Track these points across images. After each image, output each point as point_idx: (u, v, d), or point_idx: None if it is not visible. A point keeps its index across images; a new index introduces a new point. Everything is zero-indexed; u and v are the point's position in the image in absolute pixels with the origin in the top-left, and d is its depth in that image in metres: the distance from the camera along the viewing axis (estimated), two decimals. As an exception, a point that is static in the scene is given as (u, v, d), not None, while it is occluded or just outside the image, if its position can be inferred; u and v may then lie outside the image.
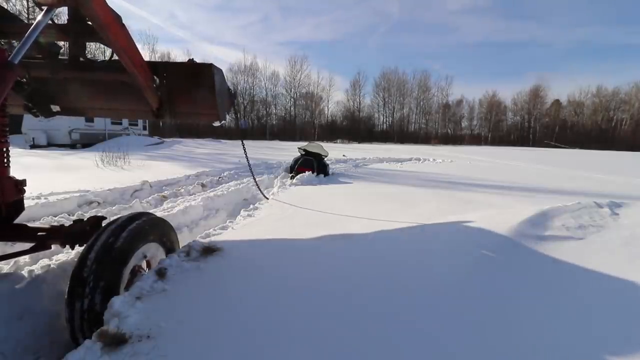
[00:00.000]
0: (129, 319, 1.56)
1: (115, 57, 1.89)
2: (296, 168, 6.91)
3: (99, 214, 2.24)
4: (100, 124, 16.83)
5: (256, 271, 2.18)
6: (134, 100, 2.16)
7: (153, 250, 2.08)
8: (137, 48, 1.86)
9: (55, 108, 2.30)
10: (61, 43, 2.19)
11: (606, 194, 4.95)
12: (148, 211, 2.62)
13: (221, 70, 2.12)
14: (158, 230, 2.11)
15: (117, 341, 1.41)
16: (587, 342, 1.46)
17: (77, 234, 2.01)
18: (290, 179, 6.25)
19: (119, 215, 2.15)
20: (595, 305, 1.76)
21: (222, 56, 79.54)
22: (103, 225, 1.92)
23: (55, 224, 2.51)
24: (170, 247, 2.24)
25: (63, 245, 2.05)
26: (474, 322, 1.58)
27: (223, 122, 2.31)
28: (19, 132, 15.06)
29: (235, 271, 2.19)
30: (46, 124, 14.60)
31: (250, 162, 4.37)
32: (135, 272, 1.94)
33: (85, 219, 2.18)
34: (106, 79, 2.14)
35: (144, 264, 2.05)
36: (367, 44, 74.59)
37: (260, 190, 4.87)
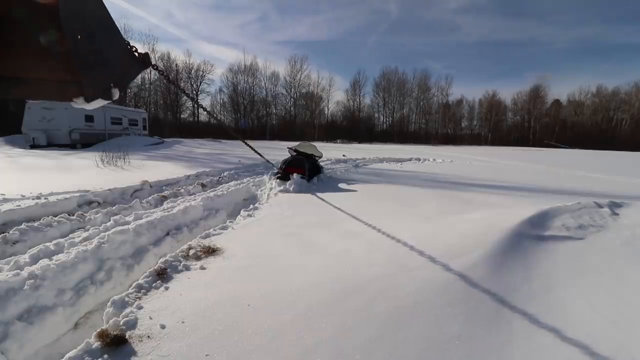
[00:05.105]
0: (129, 319, 1.56)
1: None
2: (285, 168, 5.72)
3: None
4: (101, 123, 16.81)
5: (256, 270, 2.18)
6: None
7: None
8: None
9: None
10: None
11: (606, 194, 4.94)
12: None
13: None
14: None
15: (117, 341, 1.41)
16: (586, 341, 1.46)
17: None
18: (277, 179, 5.56)
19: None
20: (595, 305, 1.76)
21: (222, 56, 79.39)
22: None
23: None
24: None
25: None
26: (474, 322, 1.58)
27: (96, 100, 1.06)
28: (19, 132, 15.04)
29: (235, 271, 2.19)
30: (46, 124, 14.58)
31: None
32: None
33: None
34: None
35: None
36: (366, 43, 74.28)
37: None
